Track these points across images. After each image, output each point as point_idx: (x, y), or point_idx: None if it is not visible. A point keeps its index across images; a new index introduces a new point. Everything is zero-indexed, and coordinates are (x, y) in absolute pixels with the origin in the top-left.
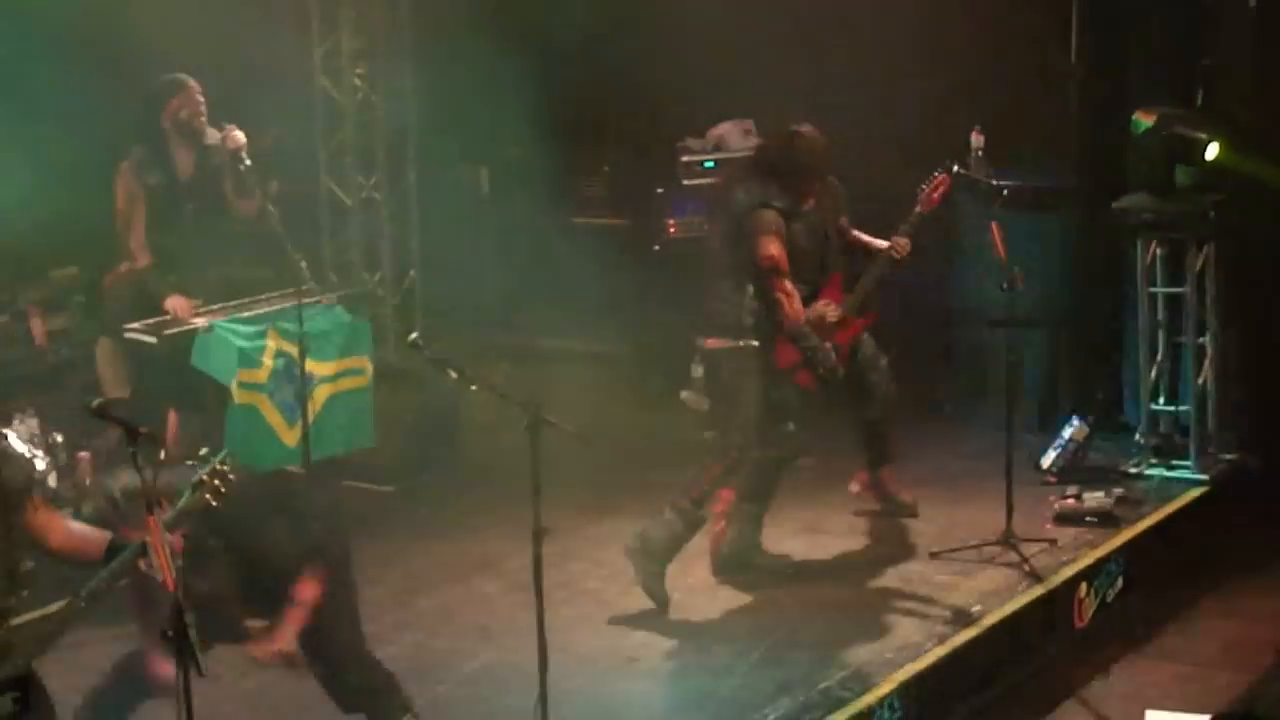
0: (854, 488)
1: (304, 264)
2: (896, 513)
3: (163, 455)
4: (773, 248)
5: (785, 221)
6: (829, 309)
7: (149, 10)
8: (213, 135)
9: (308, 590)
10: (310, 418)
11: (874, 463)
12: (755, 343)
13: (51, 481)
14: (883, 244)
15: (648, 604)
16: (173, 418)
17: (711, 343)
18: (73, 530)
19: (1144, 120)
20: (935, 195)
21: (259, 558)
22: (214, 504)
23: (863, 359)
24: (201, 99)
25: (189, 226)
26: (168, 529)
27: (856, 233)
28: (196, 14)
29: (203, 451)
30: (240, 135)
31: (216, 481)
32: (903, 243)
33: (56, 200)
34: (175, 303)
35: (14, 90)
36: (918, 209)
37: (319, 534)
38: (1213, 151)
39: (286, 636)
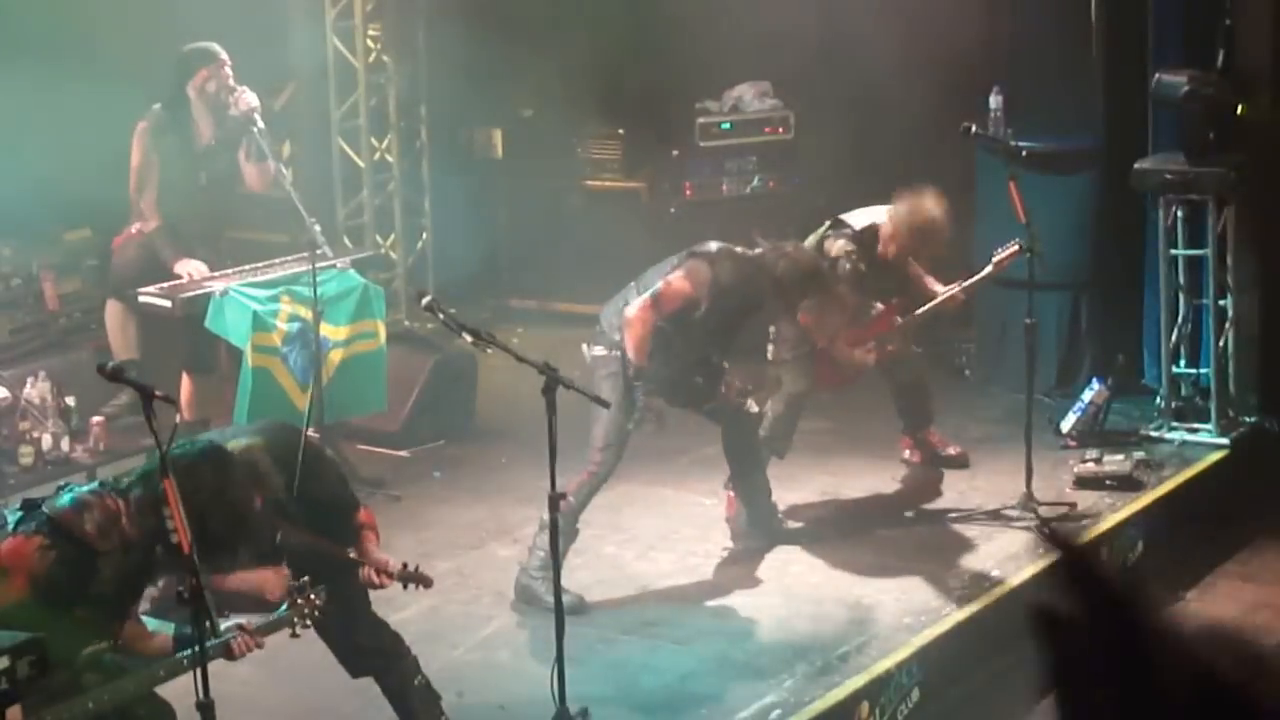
0: (905, 454)
1: (318, 227)
2: (947, 467)
3: (178, 419)
4: (677, 285)
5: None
6: (868, 355)
7: None
8: (244, 102)
9: (369, 516)
10: (324, 381)
11: (916, 425)
12: (618, 352)
13: (64, 446)
14: (941, 289)
15: (665, 569)
16: (186, 380)
17: (588, 349)
18: (144, 629)
19: (1176, 82)
20: (1005, 262)
21: (324, 505)
22: (298, 629)
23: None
24: (230, 73)
25: (202, 194)
26: (259, 633)
27: (917, 270)
28: None
29: (304, 579)
30: (253, 97)
31: (307, 607)
32: (960, 298)
33: (69, 163)
34: (187, 266)
35: (30, 52)
36: (989, 270)
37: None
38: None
39: (387, 560)
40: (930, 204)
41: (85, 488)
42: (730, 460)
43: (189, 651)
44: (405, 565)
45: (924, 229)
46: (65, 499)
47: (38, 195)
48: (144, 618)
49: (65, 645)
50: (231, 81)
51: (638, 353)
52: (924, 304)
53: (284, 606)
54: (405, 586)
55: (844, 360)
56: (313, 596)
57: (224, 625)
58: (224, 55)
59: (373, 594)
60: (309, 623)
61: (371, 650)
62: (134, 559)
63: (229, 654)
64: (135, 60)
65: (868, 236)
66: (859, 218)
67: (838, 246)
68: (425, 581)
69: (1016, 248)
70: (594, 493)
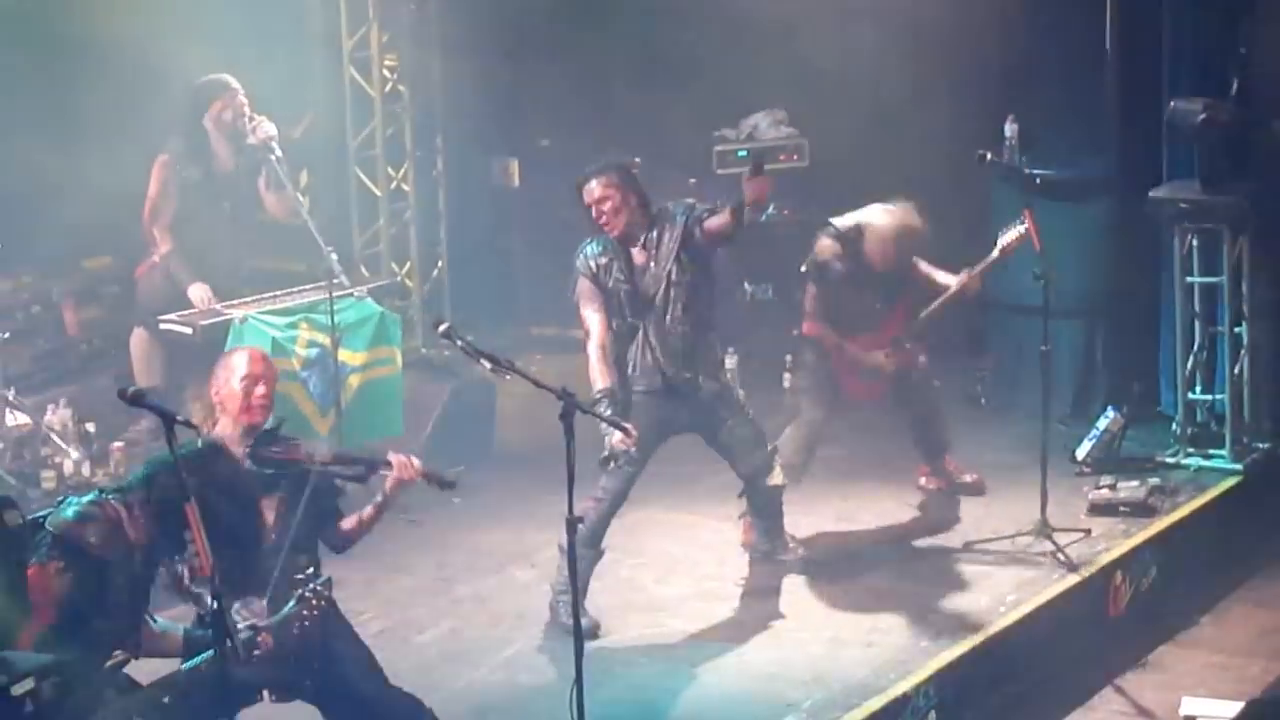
0: (921, 481)
1: (334, 256)
2: (962, 493)
3: (199, 443)
4: (584, 311)
5: (608, 274)
6: (888, 360)
7: (176, 2)
8: (262, 132)
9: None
10: (342, 406)
11: (932, 454)
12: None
13: (85, 471)
14: (951, 279)
15: (682, 593)
16: None
17: None
18: (154, 630)
19: (1191, 109)
20: (1012, 246)
21: None
22: (308, 621)
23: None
24: (245, 100)
25: (226, 222)
26: (269, 632)
27: (924, 266)
28: (228, 6)
29: (309, 570)
30: (270, 126)
31: (314, 600)
32: (975, 286)
33: (90, 190)
34: (197, 291)
35: (49, 81)
36: (995, 255)
37: None
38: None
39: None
40: (902, 209)
41: (86, 498)
42: (749, 503)
43: (202, 658)
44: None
45: (899, 227)
46: (67, 514)
47: (58, 223)
48: (152, 619)
49: (88, 660)
50: (246, 109)
51: (595, 381)
52: (936, 300)
53: (292, 601)
54: (430, 483)
55: (864, 365)
56: (318, 586)
57: (241, 626)
58: (236, 84)
59: (394, 616)
60: (317, 612)
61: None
62: (140, 563)
63: (245, 654)
64: (156, 90)
65: (852, 234)
66: (846, 219)
67: (822, 246)
68: (449, 483)
69: (1022, 229)
70: (611, 513)
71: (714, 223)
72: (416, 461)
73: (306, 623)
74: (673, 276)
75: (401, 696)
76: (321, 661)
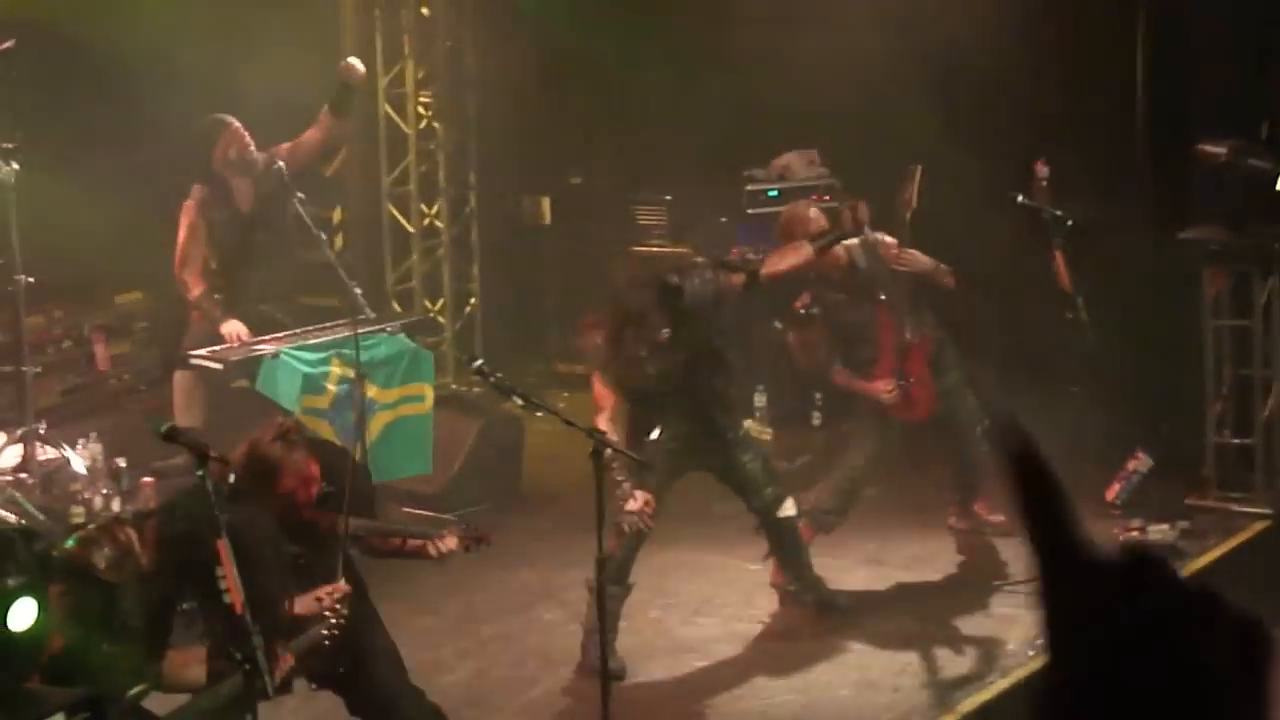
0: (951, 521)
1: (359, 291)
2: (991, 534)
3: (231, 479)
4: (597, 386)
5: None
6: (886, 386)
7: (213, 39)
8: (353, 71)
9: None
10: (368, 443)
11: (967, 498)
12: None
13: (115, 506)
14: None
15: (710, 634)
16: None
17: None
18: (175, 662)
19: (1216, 152)
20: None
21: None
22: (328, 640)
23: (951, 400)
24: (245, 133)
25: (262, 253)
26: (292, 652)
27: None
28: (262, 44)
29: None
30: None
31: (333, 615)
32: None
33: (121, 225)
34: (231, 328)
35: (81, 116)
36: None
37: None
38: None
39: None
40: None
41: (97, 523)
42: (766, 539)
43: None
44: (465, 534)
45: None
46: (74, 538)
47: (89, 258)
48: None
49: (107, 687)
50: (249, 138)
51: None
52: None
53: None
54: (467, 550)
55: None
56: (337, 605)
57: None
58: (233, 121)
59: (419, 656)
60: (336, 629)
61: None
62: (156, 590)
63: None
64: (189, 127)
65: (820, 288)
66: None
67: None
68: (485, 539)
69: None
70: (637, 548)
71: (781, 264)
72: (450, 543)
73: (325, 641)
74: (700, 331)
75: (422, 697)
76: (354, 653)
